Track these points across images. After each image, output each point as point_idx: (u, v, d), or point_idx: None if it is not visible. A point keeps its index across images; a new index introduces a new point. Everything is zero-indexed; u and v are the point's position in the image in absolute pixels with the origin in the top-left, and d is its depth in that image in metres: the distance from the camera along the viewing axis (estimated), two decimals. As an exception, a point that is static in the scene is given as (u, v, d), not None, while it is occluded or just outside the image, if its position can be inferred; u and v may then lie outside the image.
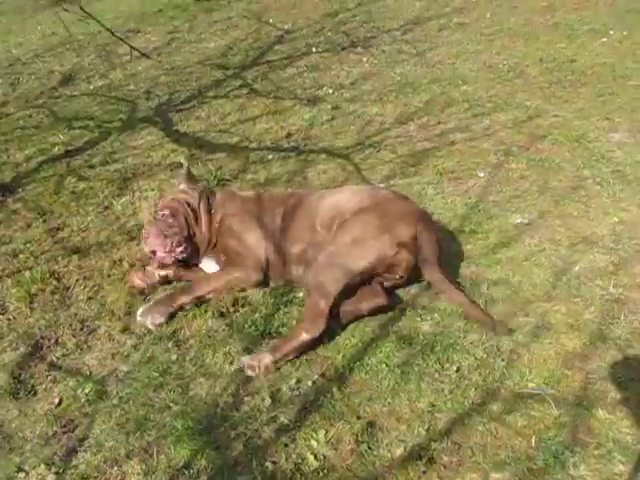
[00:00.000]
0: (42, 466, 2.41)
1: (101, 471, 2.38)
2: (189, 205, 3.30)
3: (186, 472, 2.31)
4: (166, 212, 3.26)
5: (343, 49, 7.00)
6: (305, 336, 2.69)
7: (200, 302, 3.12)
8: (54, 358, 3.01)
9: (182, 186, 3.44)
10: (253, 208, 3.27)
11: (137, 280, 3.30)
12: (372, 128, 4.93)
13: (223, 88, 6.28)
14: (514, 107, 4.95)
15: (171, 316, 3.06)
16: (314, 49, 7.10)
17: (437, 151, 4.41)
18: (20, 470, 2.42)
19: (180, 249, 3.19)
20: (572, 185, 3.80)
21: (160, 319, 3.03)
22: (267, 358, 2.67)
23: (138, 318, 3.07)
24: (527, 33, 6.69)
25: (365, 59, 6.59)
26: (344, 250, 2.82)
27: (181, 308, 3.09)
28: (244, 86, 6.24)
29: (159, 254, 3.20)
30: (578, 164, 4.01)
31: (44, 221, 4.21)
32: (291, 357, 2.70)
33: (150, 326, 3.02)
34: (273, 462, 2.29)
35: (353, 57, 6.74)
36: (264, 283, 3.18)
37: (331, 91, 5.76)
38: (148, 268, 3.32)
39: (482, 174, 4.03)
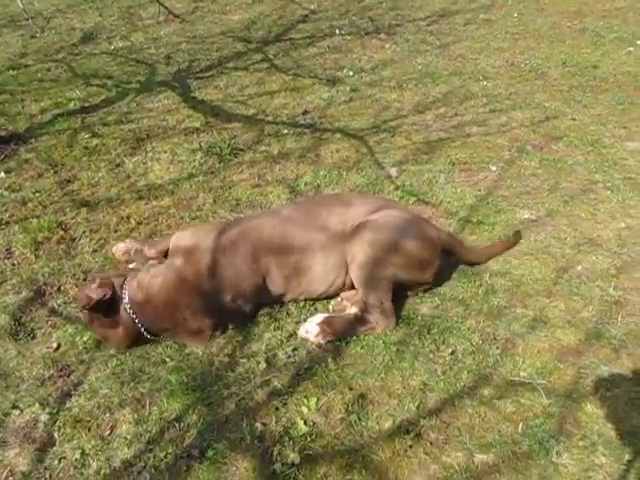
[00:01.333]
0: (36, 405, 2.46)
1: (93, 416, 2.42)
2: None
3: (177, 425, 2.36)
4: None
5: (367, 34, 6.97)
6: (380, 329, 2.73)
7: None
8: (55, 305, 3.06)
9: None
10: None
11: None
12: (389, 113, 4.92)
13: (243, 61, 6.26)
14: (532, 107, 4.94)
15: None
16: (337, 31, 7.08)
17: (452, 142, 4.41)
18: (15, 407, 2.47)
19: None
20: (582, 187, 3.81)
21: None
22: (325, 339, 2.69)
23: None
24: (553, 36, 6.65)
25: (388, 46, 6.57)
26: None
27: None
28: (265, 60, 6.23)
29: None
30: (590, 168, 4.02)
31: (55, 173, 4.24)
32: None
33: None
34: (263, 423, 2.34)
35: (376, 43, 6.71)
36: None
37: (351, 74, 5.75)
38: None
39: (494, 168, 4.04)
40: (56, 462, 2.25)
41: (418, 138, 4.49)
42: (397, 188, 3.79)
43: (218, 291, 2.71)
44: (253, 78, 5.75)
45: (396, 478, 2.11)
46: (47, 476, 2.20)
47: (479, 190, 3.81)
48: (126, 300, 2.69)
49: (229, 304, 2.73)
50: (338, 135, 4.52)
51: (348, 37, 6.88)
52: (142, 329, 2.69)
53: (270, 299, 2.85)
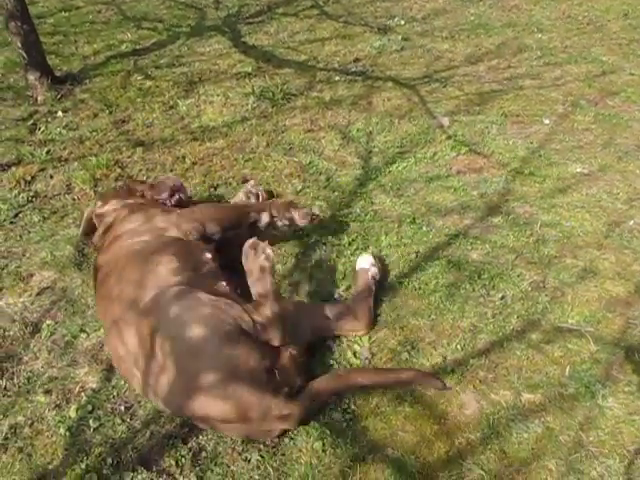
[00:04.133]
0: (101, 330, 2.60)
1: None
2: None
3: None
4: None
5: (418, -18, 6.83)
6: None
7: None
8: (115, 238, 3.18)
9: None
10: None
11: None
12: (440, 64, 4.87)
13: (293, 7, 6.22)
14: (588, 60, 4.83)
15: None
16: (388, -21, 6.95)
17: (504, 94, 4.36)
18: (82, 331, 2.62)
19: None
20: (637, 144, 3.75)
21: None
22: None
23: None
24: (614, -14, 6.42)
25: (440, -5, 6.44)
26: None
27: None
28: (314, 7, 6.18)
29: None
30: (647, 124, 3.95)
31: (110, 113, 4.33)
32: None
33: None
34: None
35: (428, -9, 6.58)
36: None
37: (402, 22, 5.67)
38: None
39: (547, 122, 4.00)
40: (122, 382, 2.39)
41: (470, 89, 4.45)
42: (449, 138, 3.80)
43: None
44: (303, 24, 5.72)
45: (445, 411, 2.21)
46: (115, 394, 2.35)
47: (531, 143, 3.79)
48: None
49: None
50: (389, 84, 4.51)
51: (399, -15, 6.75)
52: None
53: None
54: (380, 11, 6.02)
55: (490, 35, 5.41)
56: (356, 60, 4.92)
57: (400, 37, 5.31)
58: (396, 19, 5.76)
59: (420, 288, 2.71)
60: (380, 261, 2.81)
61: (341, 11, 6.04)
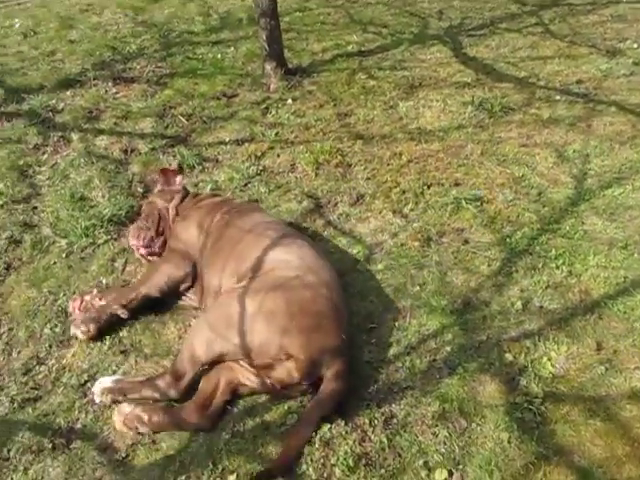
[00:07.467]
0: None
1: (360, 315, 2.83)
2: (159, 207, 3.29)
3: (433, 340, 2.66)
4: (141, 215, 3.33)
5: (657, 5, 6.50)
6: (164, 388, 2.52)
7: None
8: (331, 218, 3.53)
9: (158, 188, 3.49)
10: (201, 213, 3.14)
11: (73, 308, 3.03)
12: (675, 93, 4.65)
13: (517, 23, 6.24)
14: None
15: (101, 327, 2.86)
16: (624, -1, 6.69)
17: None
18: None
19: (152, 245, 3.18)
20: None
21: (87, 328, 2.84)
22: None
23: (71, 327, 2.92)
24: None
25: (682, 21, 6.08)
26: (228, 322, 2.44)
27: (114, 317, 2.90)
28: (539, 25, 6.14)
29: (137, 246, 3.19)
30: None
31: (334, 105, 4.72)
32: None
33: (80, 336, 2.85)
34: (513, 356, 2.54)
35: (667, 15, 6.25)
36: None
37: (635, 46, 5.42)
38: (86, 297, 3.03)
39: None
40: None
41: None
42: (674, 170, 3.67)
43: None
44: (526, 41, 5.72)
45: (639, 435, 2.21)
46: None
47: None
48: None
49: None
50: (613, 108, 4.39)
51: (636, 5, 6.45)
52: None
53: None
54: (610, 32, 5.82)
55: None
56: (579, 81, 4.84)
57: (631, 61, 5.10)
58: (628, 42, 5.52)
59: (625, 312, 2.69)
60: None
61: (567, 30, 5.94)
